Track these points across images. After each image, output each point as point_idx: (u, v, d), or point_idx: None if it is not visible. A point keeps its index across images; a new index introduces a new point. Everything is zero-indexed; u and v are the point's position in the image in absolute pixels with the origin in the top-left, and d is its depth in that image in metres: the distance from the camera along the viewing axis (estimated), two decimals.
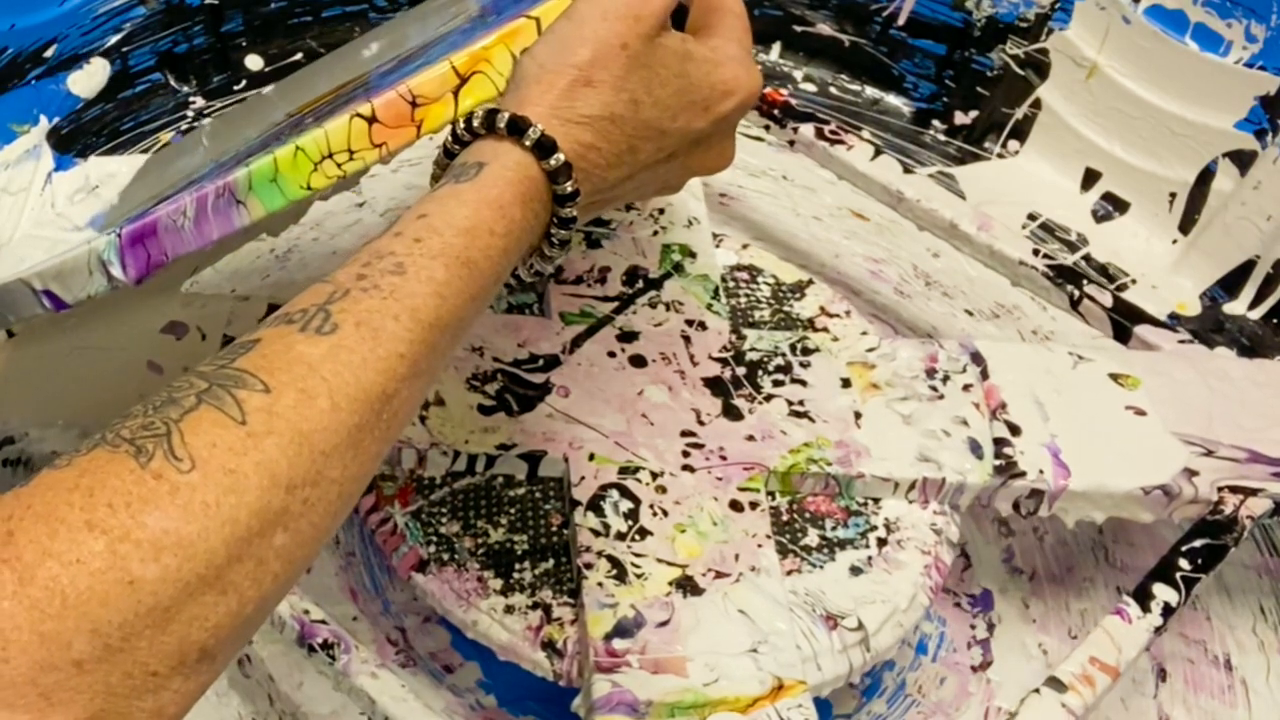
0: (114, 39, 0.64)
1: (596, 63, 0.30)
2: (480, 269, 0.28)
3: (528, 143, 0.29)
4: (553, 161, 0.29)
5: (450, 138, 0.31)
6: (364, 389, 0.26)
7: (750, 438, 0.48)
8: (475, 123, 0.30)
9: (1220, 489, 0.47)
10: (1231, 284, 0.67)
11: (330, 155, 0.33)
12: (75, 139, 0.62)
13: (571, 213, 0.30)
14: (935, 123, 0.76)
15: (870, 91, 0.77)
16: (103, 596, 0.22)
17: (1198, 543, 0.46)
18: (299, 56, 0.71)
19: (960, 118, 0.75)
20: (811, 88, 0.78)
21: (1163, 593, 0.44)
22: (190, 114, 0.67)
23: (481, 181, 0.29)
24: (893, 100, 0.77)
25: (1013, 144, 0.74)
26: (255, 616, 0.25)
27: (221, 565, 0.23)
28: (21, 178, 0.55)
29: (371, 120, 0.33)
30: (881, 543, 0.46)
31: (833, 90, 0.78)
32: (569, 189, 0.30)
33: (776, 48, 0.78)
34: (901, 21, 0.75)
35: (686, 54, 0.31)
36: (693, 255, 0.55)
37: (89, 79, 0.60)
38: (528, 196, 0.29)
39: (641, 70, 0.30)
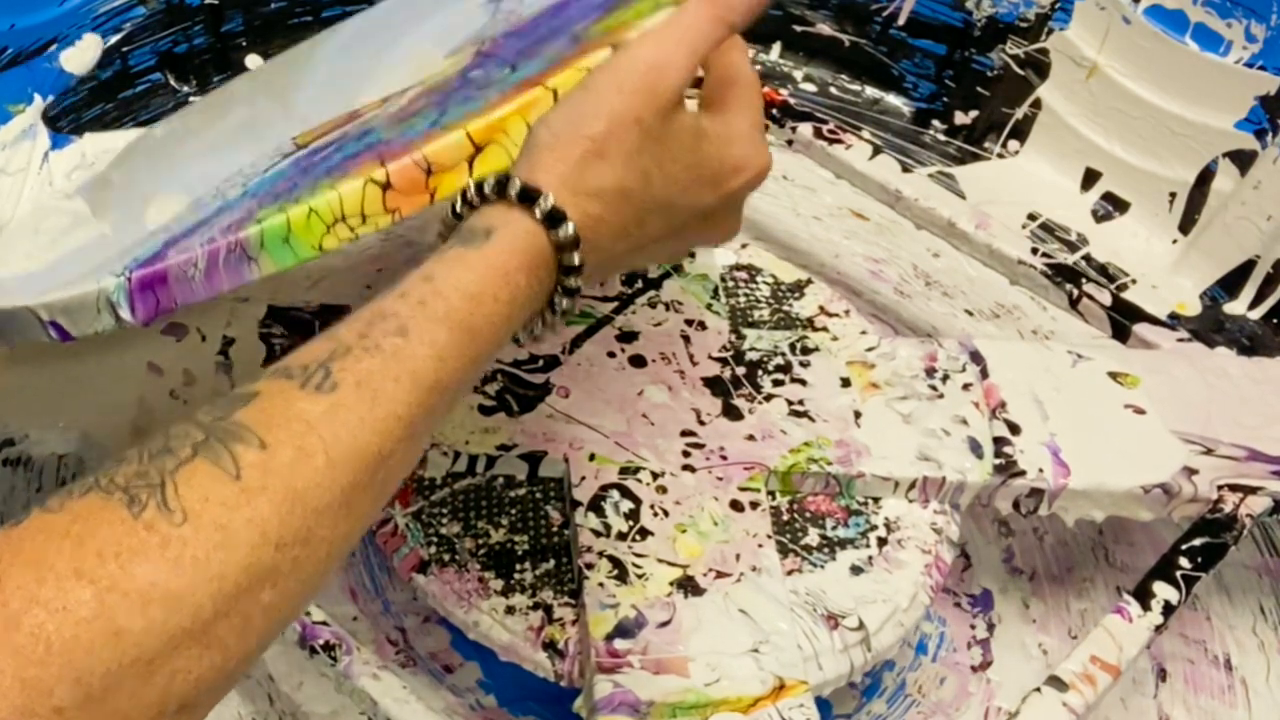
0: (114, 39, 0.65)
1: (610, 136, 0.30)
2: (482, 335, 0.28)
3: (538, 213, 0.29)
4: (561, 233, 0.30)
5: (460, 200, 0.31)
6: (360, 449, 0.26)
7: (750, 437, 0.48)
8: (486, 189, 0.30)
9: (1220, 487, 0.47)
10: (1231, 284, 0.67)
11: (343, 218, 0.33)
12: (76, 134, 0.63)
13: (576, 283, 0.30)
14: (935, 122, 0.76)
15: (870, 91, 0.78)
16: (88, 645, 0.22)
17: (1197, 541, 0.46)
18: None
19: (960, 118, 0.75)
20: (811, 88, 0.78)
21: (1163, 591, 0.44)
22: None
23: (490, 249, 0.29)
24: (893, 100, 0.77)
25: (1013, 144, 0.74)
26: (237, 670, 0.25)
27: (208, 620, 0.24)
28: (19, 158, 0.55)
29: (386, 186, 0.33)
30: (882, 542, 0.46)
31: (833, 90, 0.78)
32: (576, 260, 0.30)
33: (777, 48, 0.78)
34: (901, 21, 0.75)
35: (699, 130, 0.31)
36: (691, 254, 0.55)
37: (81, 55, 0.60)
38: (534, 265, 0.29)
39: (654, 145, 0.30)
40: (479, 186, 0.30)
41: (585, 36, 0.35)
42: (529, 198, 0.29)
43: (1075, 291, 0.56)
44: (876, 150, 0.60)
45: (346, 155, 0.36)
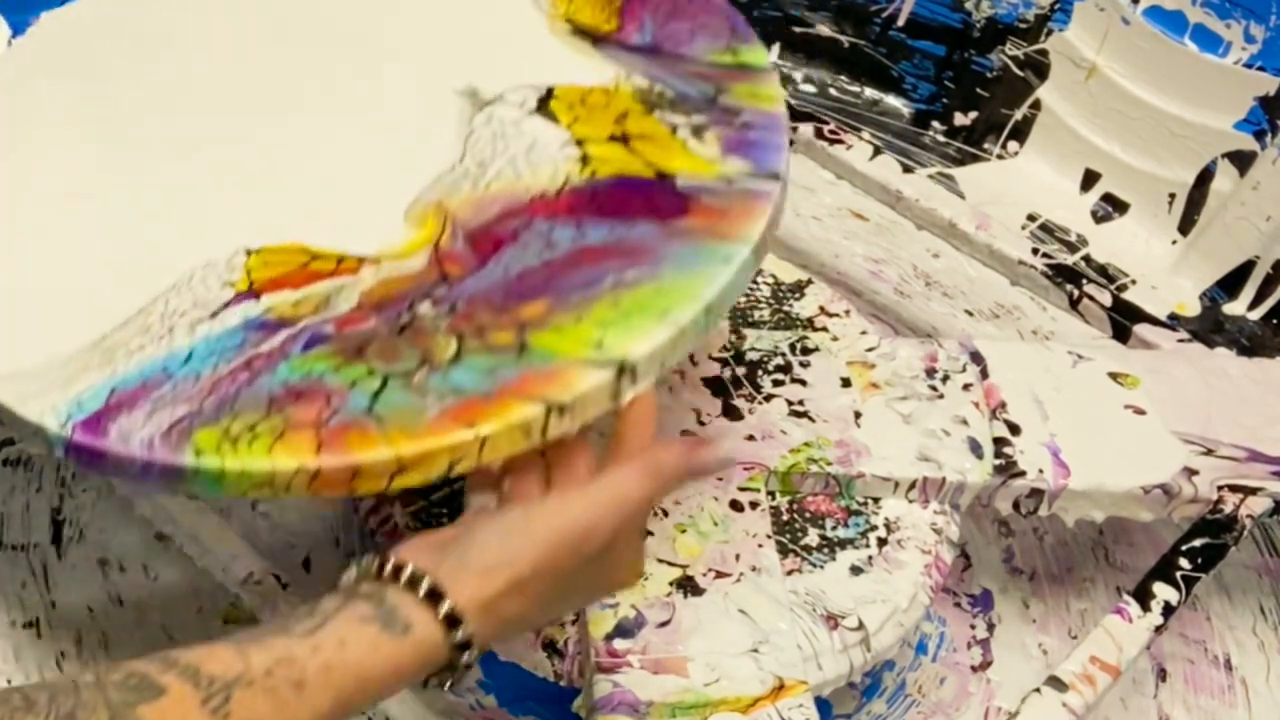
0: None
1: (533, 579, 0.33)
2: (358, 706, 0.31)
3: (457, 635, 0.32)
4: (460, 637, 0.32)
5: (377, 565, 0.33)
6: None
7: (750, 437, 0.48)
8: (421, 588, 0.32)
9: (1220, 488, 0.47)
10: (1231, 284, 0.67)
11: (271, 484, 0.35)
12: None
13: (464, 665, 0.33)
14: (935, 124, 0.76)
15: (870, 93, 0.78)
16: None
17: (1197, 542, 0.46)
18: None
19: (960, 119, 0.75)
20: (811, 89, 0.78)
21: (1163, 592, 0.44)
22: None
23: (403, 646, 0.31)
24: (892, 101, 0.77)
25: (1012, 145, 0.74)
26: None
27: None
28: None
29: (314, 476, 0.35)
30: (882, 542, 0.46)
31: (832, 91, 0.78)
32: (465, 659, 0.33)
33: (776, 49, 0.78)
34: (901, 23, 0.75)
35: (601, 560, 0.34)
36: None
37: None
38: (431, 662, 0.32)
39: (563, 582, 0.34)
40: (412, 578, 0.32)
41: (531, 352, 0.36)
42: (452, 622, 0.32)
43: (1076, 292, 0.57)
44: (877, 151, 0.60)
45: (287, 383, 0.37)
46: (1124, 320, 0.56)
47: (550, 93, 0.43)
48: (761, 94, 0.43)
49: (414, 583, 0.31)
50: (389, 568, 0.32)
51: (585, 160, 0.41)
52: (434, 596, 0.31)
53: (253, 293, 0.39)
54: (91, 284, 0.40)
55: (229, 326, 0.38)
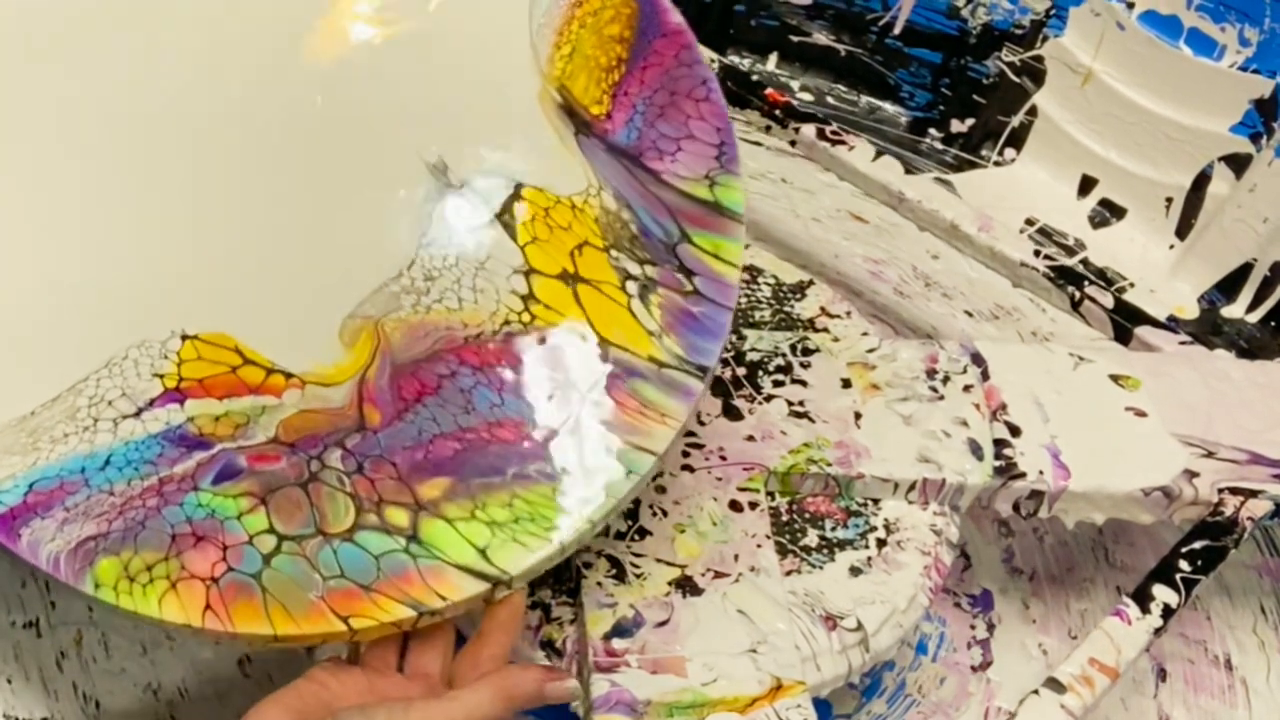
0: None
1: None
2: None
3: None
4: None
5: None
6: None
7: (750, 438, 0.48)
8: None
9: (1221, 490, 0.47)
10: (1229, 287, 0.67)
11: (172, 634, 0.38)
12: None
13: None
14: (932, 131, 0.76)
15: (866, 100, 0.78)
16: None
17: (1198, 544, 0.46)
18: None
19: (957, 125, 0.76)
20: (808, 97, 0.78)
21: (1162, 594, 0.44)
22: None
23: None
24: (889, 109, 0.78)
25: (1009, 151, 0.74)
26: None
27: None
28: None
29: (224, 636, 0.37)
30: (881, 543, 0.46)
31: (829, 99, 0.78)
32: None
33: (773, 58, 0.79)
34: (897, 30, 0.76)
35: None
36: None
37: None
38: None
39: None
40: None
41: (419, 544, 0.37)
42: None
43: (1078, 294, 0.57)
44: (879, 152, 0.61)
45: (192, 521, 0.38)
46: (1126, 322, 0.56)
47: (518, 191, 0.42)
48: (723, 252, 0.42)
49: None
50: None
51: (527, 305, 0.41)
52: None
53: (179, 393, 0.40)
54: (32, 341, 0.40)
55: (149, 433, 0.39)
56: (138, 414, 0.39)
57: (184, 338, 0.40)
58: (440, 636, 0.38)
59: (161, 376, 0.40)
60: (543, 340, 0.40)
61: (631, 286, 0.41)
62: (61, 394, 0.39)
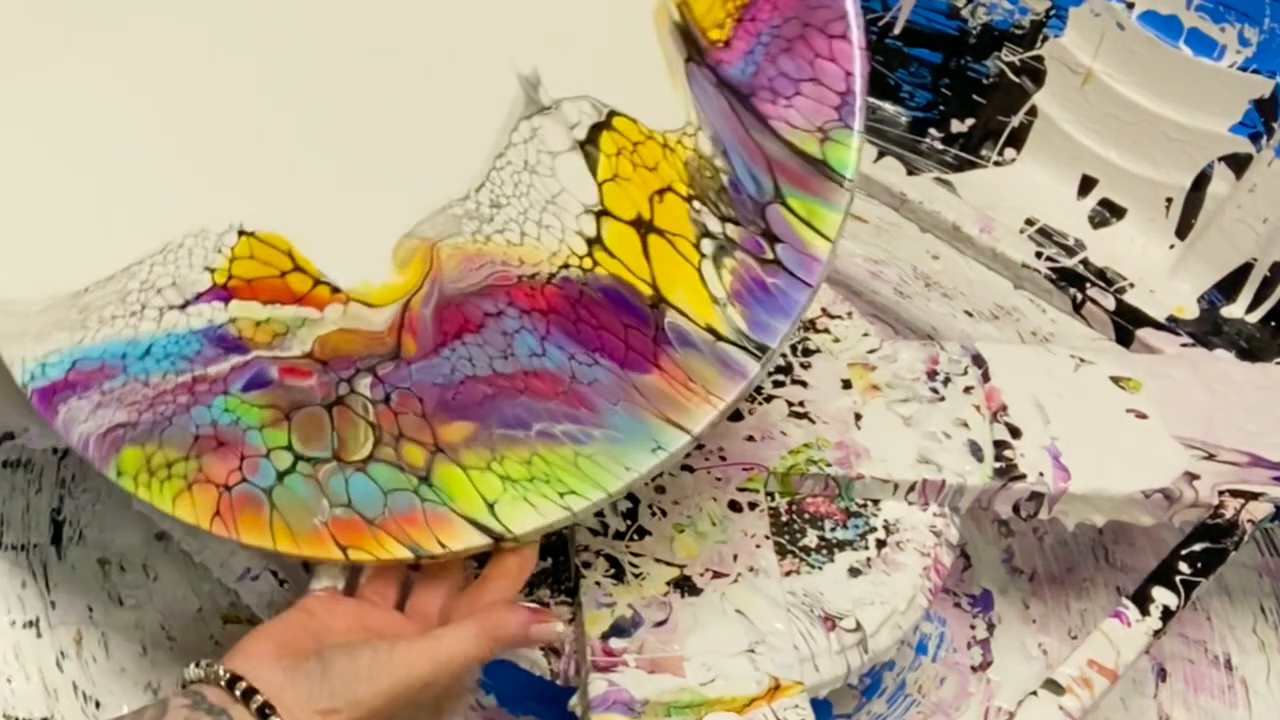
0: None
1: (369, 719, 0.34)
2: None
3: None
4: None
5: (239, 681, 0.33)
6: None
7: (750, 438, 0.48)
8: (252, 703, 0.33)
9: (1221, 493, 0.47)
10: (1229, 287, 0.67)
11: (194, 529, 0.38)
12: None
13: None
14: (932, 131, 0.76)
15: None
16: None
17: (1198, 546, 0.46)
18: None
19: (957, 126, 0.76)
20: None
21: (1162, 596, 0.44)
22: None
23: None
24: (889, 109, 0.77)
25: (1009, 151, 0.74)
26: None
27: None
28: None
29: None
30: (880, 544, 0.46)
31: None
32: None
33: None
34: (897, 31, 0.76)
35: (428, 706, 0.36)
36: None
37: None
38: None
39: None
40: (261, 710, 0.33)
41: (430, 488, 0.37)
42: None
43: (1079, 296, 0.57)
44: (881, 153, 0.61)
45: (216, 425, 0.38)
46: (1127, 324, 0.56)
47: (609, 120, 0.38)
48: (817, 220, 0.37)
49: (263, 714, 0.33)
50: (241, 686, 0.33)
51: (591, 249, 0.38)
52: (263, 712, 0.33)
53: (226, 290, 0.39)
54: (96, 216, 0.40)
55: (191, 329, 0.39)
56: (184, 306, 0.39)
57: (241, 233, 0.39)
58: (446, 578, 0.38)
59: (212, 271, 0.39)
60: (599, 291, 0.37)
61: (707, 245, 0.37)
62: (116, 274, 0.39)
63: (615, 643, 0.40)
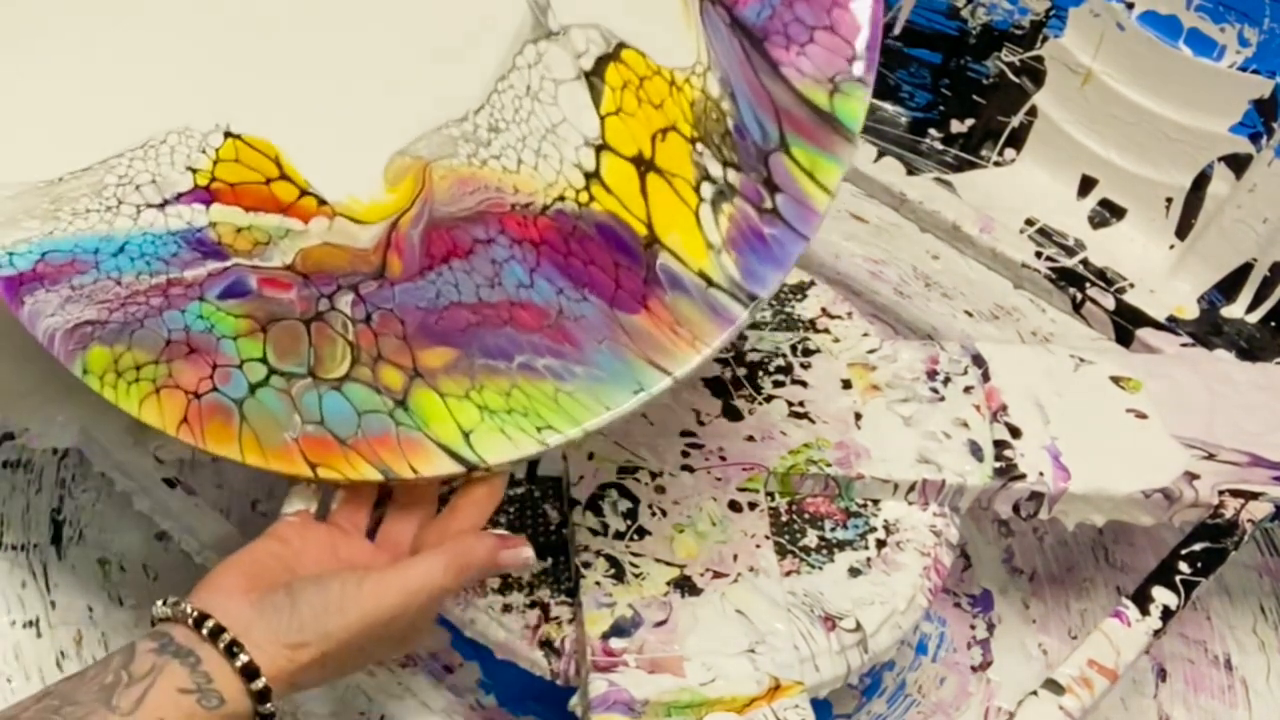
0: None
1: (338, 652, 0.34)
2: None
3: (266, 707, 0.33)
4: (267, 715, 0.33)
5: (207, 619, 0.33)
6: None
7: (750, 438, 0.48)
8: (237, 661, 0.33)
9: (1221, 493, 0.47)
10: (1229, 287, 0.67)
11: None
12: None
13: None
14: (932, 131, 0.76)
15: None
16: None
17: (1198, 546, 0.46)
18: None
19: (956, 126, 0.76)
20: None
21: (1162, 596, 0.44)
22: None
23: (214, 717, 0.32)
24: (889, 109, 0.77)
25: (1009, 152, 0.74)
26: None
27: None
28: None
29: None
30: (880, 544, 0.46)
31: None
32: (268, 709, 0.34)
33: None
34: (897, 31, 0.76)
35: (397, 637, 0.36)
36: None
37: None
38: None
39: (360, 654, 0.35)
40: (229, 647, 0.33)
41: (406, 411, 0.37)
42: (261, 696, 0.33)
43: (1079, 296, 0.57)
44: (881, 153, 0.61)
45: (189, 330, 0.37)
46: (1127, 324, 0.56)
47: (617, 51, 0.37)
48: (820, 172, 0.36)
49: (231, 652, 0.33)
50: (209, 625, 0.33)
51: (588, 183, 0.37)
52: (248, 670, 0.33)
53: (208, 193, 0.38)
54: (76, 105, 0.38)
55: (169, 230, 0.38)
56: (162, 205, 0.38)
57: (227, 134, 0.38)
58: (417, 508, 0.37)
59: (195, 171, 0.38)
60: (593, 226, 0.36)
61: (706, 189, 0.36)
62: (93, 166, 0.38)
63: (615, 643, 0.40)
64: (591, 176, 0.37)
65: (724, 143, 0.36)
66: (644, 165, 0.37)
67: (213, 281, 0.38)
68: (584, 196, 0.37)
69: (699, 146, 0.37)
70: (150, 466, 0.47)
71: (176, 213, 0.38)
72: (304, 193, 0.38)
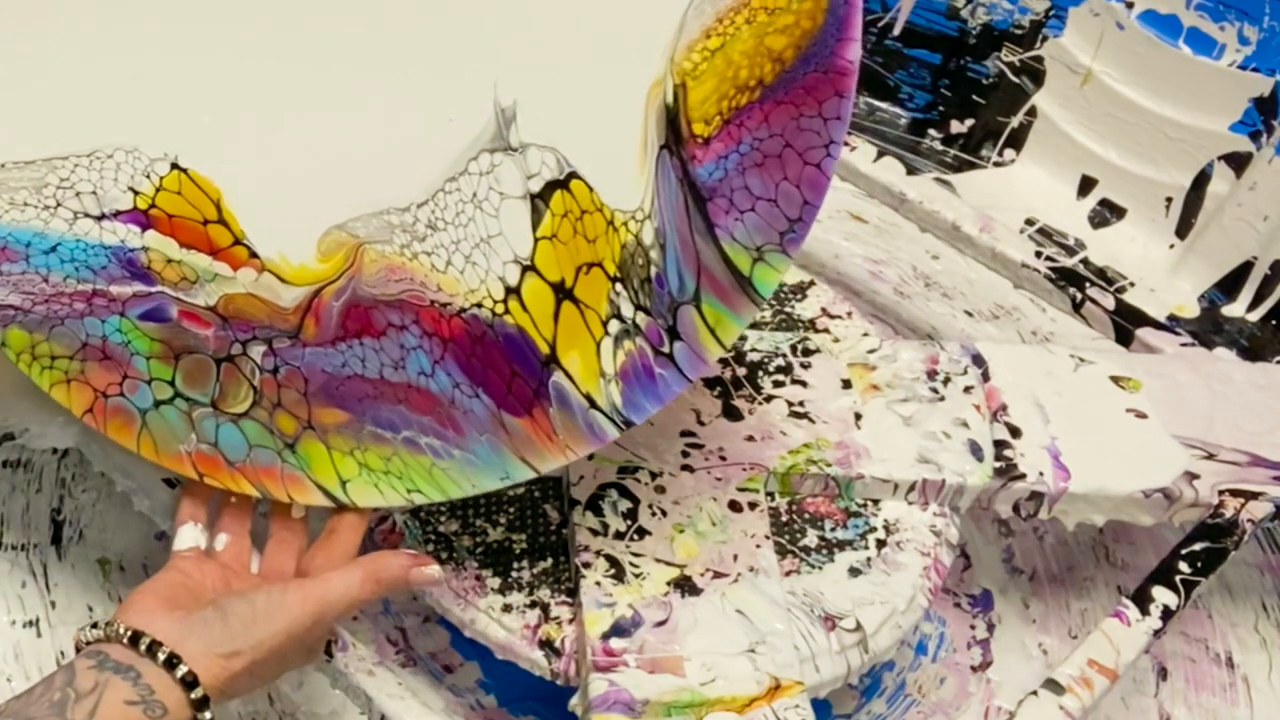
0: None
1: (266, 660, 0.37)
2: None
3: (205, 714, 0.36)
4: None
5: (141, 637, 0.36)
6: None
7: (750, 438, 0.48)
8: (177, 671, 0.35)
9: (1221, 492, 0.47)
10: (1229, 286, 0.67)
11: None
12: None
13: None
14: (931, 131, 0.76)
15: (866, 101, 0.78)
16: None
17: (1198, 546, 0.46)
18: None
19: (956, 126, 0.76)
20: None
21: (1162, 596, 0.44)
22: None
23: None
24: (889, 109, 0.77)
25: (1009, 152, 0.74)
26: None
27: None
28: None
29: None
30: (880, 544, 0.46)
31: None
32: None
33: None
34: (897, 31, 0.76)
35: (312, 643, 0.40)
36: None
37: None
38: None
39: (283, 660, 0.38)
40: (168, 660, 0.35)
41: (294, 454, 0.40)
42: (201, 703, 0.35)
43: (1079, 295, 0.57)
44: (880, 153, 0.61)
45: (106, 340, 0.40)
46: (1127, 324, 0.56)
47: (567, 181, 0.37)
48: (721, 328, 0.38)
49: (170, 664, 0.35)
50: (145, 641, 0.35)
51: (507, 298, 0.38)
52: (187, 680, 0.35)
53: (145, 217, 0.39)
54: (26, 97, 0.38)
55: (103, 243, 0.40)
56: (100, 219, 0.39)
57: (174, 166, 0.39)
58: (295, 539, 0.41)
59: (137, 194, 0.39)
60: (501, 337, 0.39)
61: (614, 326, 0.38)
62: (37, 161, 0.39)
63: (615, 643, 0.40)
64: (512, 292, 0.39)
65: (642, 289, 0.38)
66: (563, 293, 0.38)
67: (136, 302, 0.40)
68: (500, 308, 0.39)
69: (618, 287, 0.38)
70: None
71: (112, 229, 0.40)
72: (238, 241, 0.40)
